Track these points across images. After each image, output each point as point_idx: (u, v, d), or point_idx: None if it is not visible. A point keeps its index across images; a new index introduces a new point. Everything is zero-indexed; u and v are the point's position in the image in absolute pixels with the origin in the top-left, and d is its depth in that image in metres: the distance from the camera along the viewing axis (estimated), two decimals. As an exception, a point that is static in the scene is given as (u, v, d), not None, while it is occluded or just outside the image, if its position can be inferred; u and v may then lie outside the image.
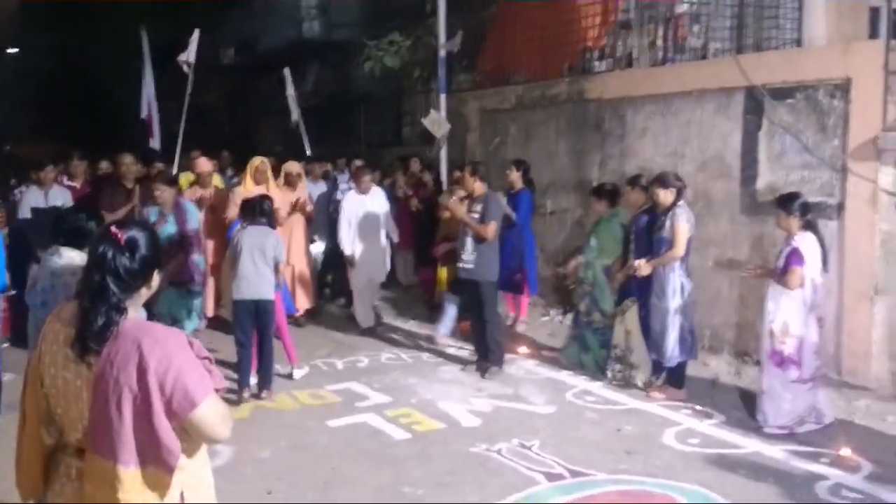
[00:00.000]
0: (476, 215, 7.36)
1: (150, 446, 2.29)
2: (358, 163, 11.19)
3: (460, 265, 7.53)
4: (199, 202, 8.76)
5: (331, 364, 7.90)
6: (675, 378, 6.83)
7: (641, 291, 6.93)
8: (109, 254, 2.41)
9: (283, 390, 7.02)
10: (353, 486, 5.13)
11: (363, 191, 9.18)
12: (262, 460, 5.51)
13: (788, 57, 7.82)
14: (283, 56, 19.28)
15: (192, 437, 2.41)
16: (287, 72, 11.95)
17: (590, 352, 7.55)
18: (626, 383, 7.11)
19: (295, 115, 12.05)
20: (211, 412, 2.36)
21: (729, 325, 7.92)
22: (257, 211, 6.95)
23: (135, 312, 2.47)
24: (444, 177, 11.03)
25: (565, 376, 7.45)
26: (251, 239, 6.81)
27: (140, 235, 2.48)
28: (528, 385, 7.22)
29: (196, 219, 7.93)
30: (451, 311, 8.42)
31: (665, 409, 6.56)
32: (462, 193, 7.69)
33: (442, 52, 11.36)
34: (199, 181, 9.17)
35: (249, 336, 6.84)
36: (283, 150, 15.80)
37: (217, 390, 2.43)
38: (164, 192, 7.47)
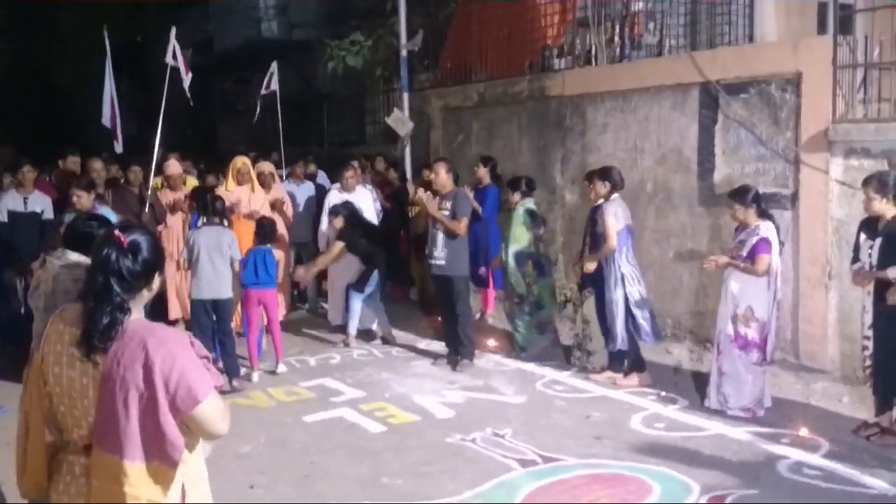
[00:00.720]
0: (447, 212, 7.52)
1: (156, 442, 2.40)
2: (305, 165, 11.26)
3: (431, 261, 7.68)
4: (173, 206, 8.73)
5: (303, 361, 8.01)
6: (636, 365, 7.09)
7: (596, 283, 7.20)
8: (113, 256, 2.49)
9: (259, 388, 7.13)
10: (333, 479, 5.26)
11: (347, 189, 9.06)
12: (242, 455, 5.62)
13: (741, 53, 8.09)
14: (242, 56, 19.30)
15: (192, 432, 2.52)
16: (274, 66, 11.89)
17: (518, 333, 7.94)
18: (584, 369, 7.40)
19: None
20: (212, 408, 2.47)
21: (690, 314, 8.18)
22: (210, 209, 7.18)
23: (138, 313, 2.57)
24: (409, 174, 11.16)
25: (534, 367, 7.64)
26: (207, 240, 7.03)
27: (142, 239, 2.58)
28: (498, 376, 7.40)
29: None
30: (356, 308, 8.48)
31: (631, 395, 6.79)
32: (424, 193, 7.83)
33: (403, 52, 11.49)
34: (170, 184, 9.10)
35: (208, 335, 7.02)
36: (245, 150, 15.81)
37: (215, 388, 2.55)
38: (80, 198, 7.06)
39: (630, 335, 7.01)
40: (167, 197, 8.96)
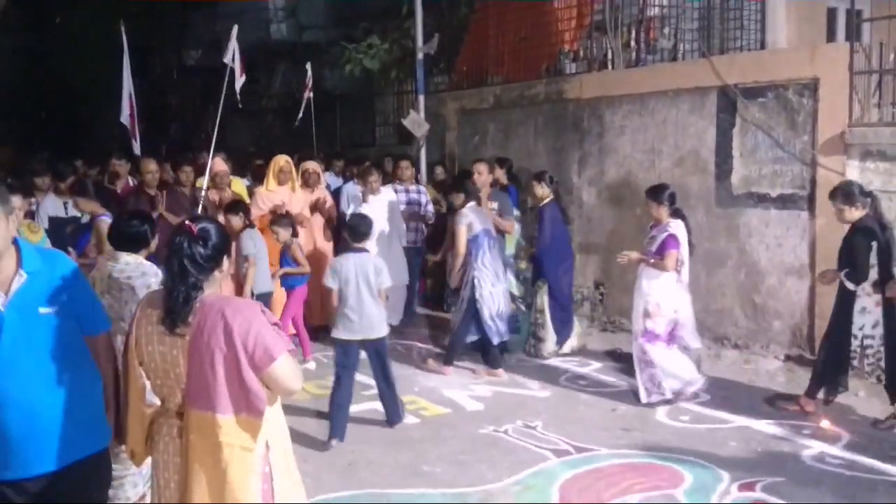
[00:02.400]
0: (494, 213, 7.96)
1: (242, 395, 2.78)
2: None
3: None
4: (219, 205, 8.56)
5: (331, 357, 8.16)
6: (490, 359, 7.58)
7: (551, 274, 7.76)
8: (185, 243, 2.86)
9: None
10: (374, 468, 5.46)
11: (372, 191, 8.91)
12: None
13: (759, 58, 8.32)
14: (251, 57, 19.46)
15: (271, 391, 2.85)
16: (308, 67, 11.75)
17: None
18: (536, 355, 7.82)
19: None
20: (286, 366, 2.82)
21: (707, 312, 8.36)
22: (360, 233, 6.11)
23: (212, 290, 2.93)
24: (423, 175, 11.35)
25: (557, 362, 7.86)
26: (358, 268, 5.97)
27: (210, 227, 2.96)
28: (522, 372, 7.60)
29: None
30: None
31: (654, 390, 7.00)
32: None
33: (420, 55, 11.70)
34: (216, 183, 8.84)
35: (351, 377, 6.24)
36: (255, 150, 15.99)
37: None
38: (83, 204, 7.05)
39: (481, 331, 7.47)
40: (212, 196, 8.80)
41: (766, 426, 6.08)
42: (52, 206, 8.22)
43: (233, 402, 2.78)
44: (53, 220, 8.13)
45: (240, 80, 9.29)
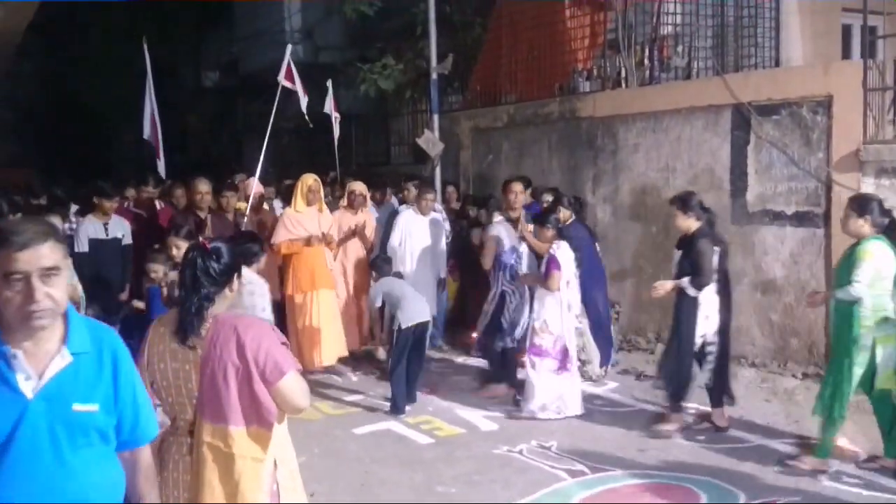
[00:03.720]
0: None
1: (253, 408, 2.90)
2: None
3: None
4: (260, 227, 8.21)
5: (346, 376, 8.19)
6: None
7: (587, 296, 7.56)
8: (199, 258, 3.04)
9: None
10: (388, 487, 5.45)
11: (423, 211, 8.54)
12: (299, 465, 5.80)
13: (773, 76, 8.32)
14: (268, 78, 19.64)
15: (278, 408, 2.94)
16: (329, 85, 11.37)
17: None
18: (584, 377, 7.65)
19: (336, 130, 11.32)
20: (295, 382, 2.94)
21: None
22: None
23: (223, 308, 3.06)
24: (438, 194, 11.37)
25: (572, 382, 7.82)
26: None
27: (222, 246, 3.13)
28: (537, 391, 7.56)
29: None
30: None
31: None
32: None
33: (434, 75, 11.77)
34: (251, 205, 8.35)
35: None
36: (272, 171, 16.08)
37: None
38: (180, 249, 6.87)
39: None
40: (252, 218, 8.31)
41: (783, 445, 6.03)
42: (93, 228, 7.87)
43: (244, 415, 2.89)
44: (93, 243, 7.85)
45: (304, 99, 9.18)
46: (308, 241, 7.74)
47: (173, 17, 21.40)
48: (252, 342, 2.87)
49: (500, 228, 7.39)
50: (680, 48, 10.04)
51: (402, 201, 9.90)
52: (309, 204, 7.93)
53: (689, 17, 10.01)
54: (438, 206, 9.56)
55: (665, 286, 6.36)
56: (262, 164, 8.40)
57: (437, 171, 11.79)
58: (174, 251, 5.99)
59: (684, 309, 6.22)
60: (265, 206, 9.10)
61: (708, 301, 6.19)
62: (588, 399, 7.31)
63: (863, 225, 5.45)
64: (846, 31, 10.85)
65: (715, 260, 6.16)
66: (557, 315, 6.78)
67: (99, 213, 7.94)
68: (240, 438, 2.88)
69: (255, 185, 8.54)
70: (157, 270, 6.33)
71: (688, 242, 6.21)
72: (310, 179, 8.00)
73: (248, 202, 8.35)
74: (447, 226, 9.26)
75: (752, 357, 8.07)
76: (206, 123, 23.29)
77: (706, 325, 6.22)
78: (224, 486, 2.89)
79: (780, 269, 7.85)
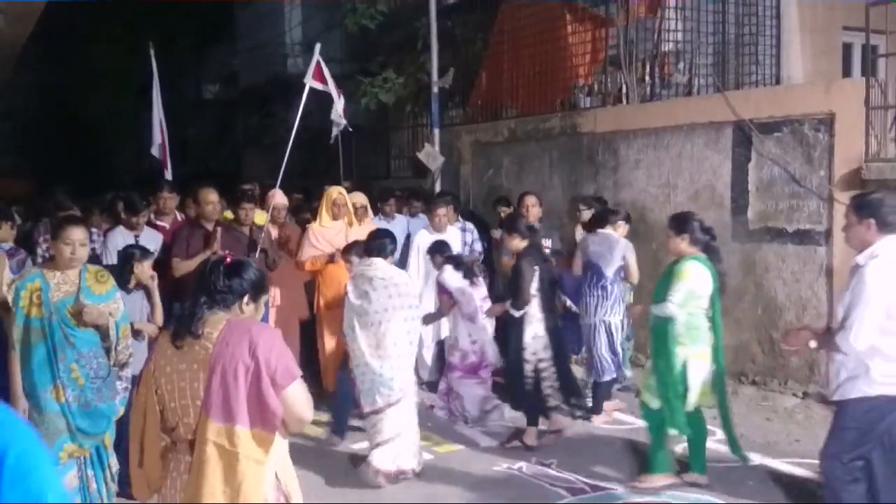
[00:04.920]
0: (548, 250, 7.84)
1: (259, 410, 2.89)
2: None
3: None
4: (281, 243, 7.72)
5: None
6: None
7: None
8: (211, 266, 3.08)
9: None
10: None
11: (438, 228, 7.99)
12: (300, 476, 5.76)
13: (775, 93, 8.32)
14: (268, 91, 19.68)
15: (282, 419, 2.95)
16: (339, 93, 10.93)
17: None
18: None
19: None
20: (302, 391, 2.96)
21: (725, 348, 8.26)
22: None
23: (232, 315, 3.05)
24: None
25: (571, 399, 7.78)
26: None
27: (246, 264, 3.15)
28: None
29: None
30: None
31: (670, 427, 6.91)
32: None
33: (435, 89, 11.78)
34: (273, 217, 7.71)
35: None
36: (272, 184, 16.05)
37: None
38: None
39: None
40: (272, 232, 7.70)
41: (784, 465, 6.00)
42: (123, 239, 6.92)
43: (250, 416, 2.89)
44: None
45: (340, 102, 8.53)
46: (331, 258, 7.32)
47: (175, 30, 21.42)
48: (265, 344, 2.90)
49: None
50: (681, 65, 10.04)
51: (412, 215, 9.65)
52: (335, 218, 7.54)
53: (690, 34, 10.01)
54: (465, 223, 8.73)
55: (494, 309, 6.86)
56: (281, 178, 7.75)
57: (438, 184, 11.80)
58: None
59: (511, 330, 6.53)
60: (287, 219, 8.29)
61: (534, 320, 6.41)
62: (585, 416, 7.29)
63: (680, 243, 5.56)
64: (846, 49, 10.85)
65: (535, 281, 6.37)
66: (462, 331, 7.09)
67: (131, 227, 7.18)
68: (245, 439, 2.88)
69: (277, 197, 7.87)
70: None
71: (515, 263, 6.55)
72: (334, 192, 7.63)
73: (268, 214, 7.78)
74: (468, 237, 8.51)
75: (753, 375, 8.04)
76: (206, 135, 23.31)
77: (534, 343, 6.41)
78: (226, 485, 2.88)
79: (782, 287, 7.82)
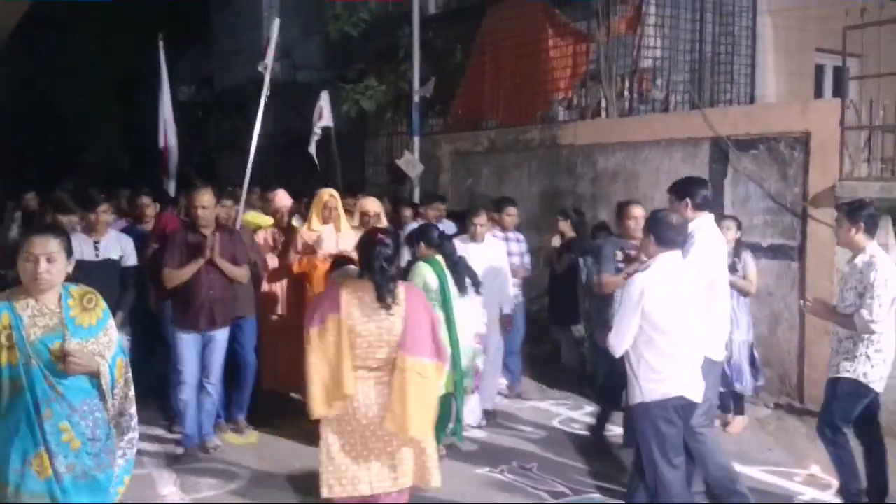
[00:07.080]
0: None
1: (438, 347, 4.34)
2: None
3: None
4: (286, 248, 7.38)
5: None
6: None
7: None
8: (381, 248, 4.27)
9: (288, 419, 7.30)
10: (372, 505, 5.46)
11: (476, 237, 7.22)
12: (294, 476, 5.84)
13: (752, 111, 8.54)
14: (243, 95, 19.64)
15: None
16: (325, 95, 10.95)
17: None
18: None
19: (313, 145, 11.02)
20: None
21: (697, 358, 8.48)
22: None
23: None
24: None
25: (549, 406, 7.91)
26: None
27: (388, 238, 4.38)
28: (515, 414, 7.65)
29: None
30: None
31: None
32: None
33: (416, 97, 11.89)
34: (276, 220, 7.56)
35: None
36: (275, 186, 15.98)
37: None
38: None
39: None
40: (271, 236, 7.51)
41: (759, 473, 6.15)
42: (79, 246, 5.41)
43: (433, 352, 4.28)
44: (84, 266, 5.25)
45: (264, 63, 8.58)
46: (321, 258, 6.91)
47: (151, 30, 21.33)
48: (427, 303, 4.49)
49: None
50: (659, 81, 10.26)
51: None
52: (325, 221, 7.11)
53: (667, 51, 10.24)
54: (507, 233, 8.15)
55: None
56: (247, 182, 7.86)
57: (416, 192, 11.89)
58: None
59: None
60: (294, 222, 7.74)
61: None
62: (565, 422, 7.43)
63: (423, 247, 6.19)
64: (819, 70, 11.15)
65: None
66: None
67: (90, 230, 6.30)
68: (433, 370, 4.26)
69: (281, 198, 7.58)
70: None
71: None
72: (325, 195, 7.15)
73: (274, 217, 7.61)
74: (514, 247, 8.06)
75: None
76: (180, 138, 23.15)
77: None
78: (420, 398, 4.18)
79: (755, 301, 7.99)
